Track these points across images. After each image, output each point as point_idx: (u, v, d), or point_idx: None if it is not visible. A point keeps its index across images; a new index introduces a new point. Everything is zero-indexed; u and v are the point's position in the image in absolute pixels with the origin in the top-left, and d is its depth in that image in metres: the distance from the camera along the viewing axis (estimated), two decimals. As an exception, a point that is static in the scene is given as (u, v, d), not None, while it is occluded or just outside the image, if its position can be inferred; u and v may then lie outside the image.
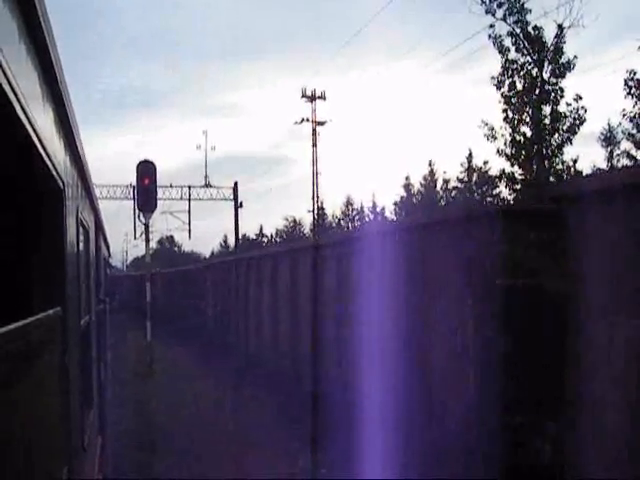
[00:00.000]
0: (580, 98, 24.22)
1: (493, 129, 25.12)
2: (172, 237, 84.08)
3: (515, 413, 6.20)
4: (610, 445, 5.18)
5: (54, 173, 2.12)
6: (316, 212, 40.00)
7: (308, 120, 39.17)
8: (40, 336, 1.91)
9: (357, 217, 66.80)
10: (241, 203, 40.96)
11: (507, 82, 24.81)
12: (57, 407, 2.35)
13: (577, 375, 5.58)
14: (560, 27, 23.96)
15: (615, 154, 38.85)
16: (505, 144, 24.81)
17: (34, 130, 1.69)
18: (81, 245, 3.41)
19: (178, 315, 30.23)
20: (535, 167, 24.34)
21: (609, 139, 41.39)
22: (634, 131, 26.66)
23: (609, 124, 41.34)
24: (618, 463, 5.11)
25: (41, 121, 1.83)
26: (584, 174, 24.99)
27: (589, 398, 5.41)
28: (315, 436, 9.24)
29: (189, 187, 40.83)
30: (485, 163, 39.33)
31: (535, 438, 5.94)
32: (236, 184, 41.39)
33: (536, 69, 24.45)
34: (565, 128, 24.31)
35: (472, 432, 6.94)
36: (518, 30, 24.49)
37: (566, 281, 5.76)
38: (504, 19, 24.49)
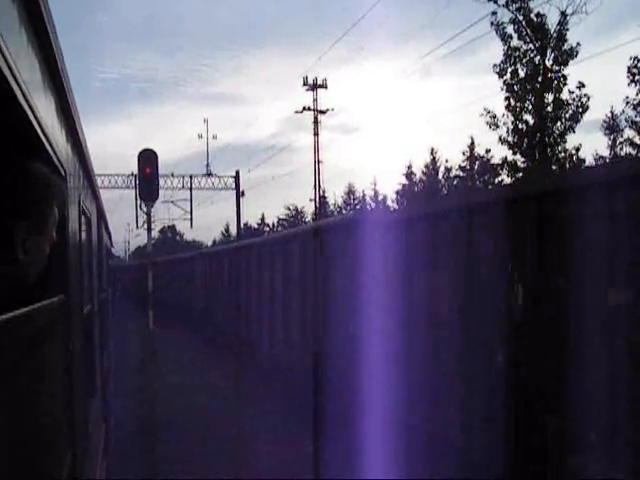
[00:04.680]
0: (583, 86, 24.16)
1: (495, 117, 25.08)
2: (174, 226, 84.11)
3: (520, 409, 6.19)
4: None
5: (56, 162, 2.13)
6: (318, 201, 39.97)
7: (310, 109, 39.09)
8: (44, 323, 1.93)
9: (359, 205, 66.83)
10: (243, 192, 40.95)
11: (509, 70, 24.73)
12: (61, 393, 2.38)
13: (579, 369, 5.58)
14: (563, 14, 23.84)
15: (618, 142, 38.79)
16: (507, 132, 24.78)
17: (36, 118, 1.70)
18: (83, 234, 3.42)
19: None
20: (537, 155, 24.29)
21: (612, 127, 41.26)
22: (637, 119, 26.58)
23: (612, 112, 41.22)
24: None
25: (43, 109, 1.83)
26: (587, 162, 24.95)
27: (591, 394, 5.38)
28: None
29: (190, 176, 40.81)
30: (487, 151, 39.24)
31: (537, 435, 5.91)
32: (237, 173, 41.38)
33: (539, 56, 24.35)
34: (568, 116, 24.25)
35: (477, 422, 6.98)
36: (521, 17, 24.37)
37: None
38: (506, 6, 24.36)
